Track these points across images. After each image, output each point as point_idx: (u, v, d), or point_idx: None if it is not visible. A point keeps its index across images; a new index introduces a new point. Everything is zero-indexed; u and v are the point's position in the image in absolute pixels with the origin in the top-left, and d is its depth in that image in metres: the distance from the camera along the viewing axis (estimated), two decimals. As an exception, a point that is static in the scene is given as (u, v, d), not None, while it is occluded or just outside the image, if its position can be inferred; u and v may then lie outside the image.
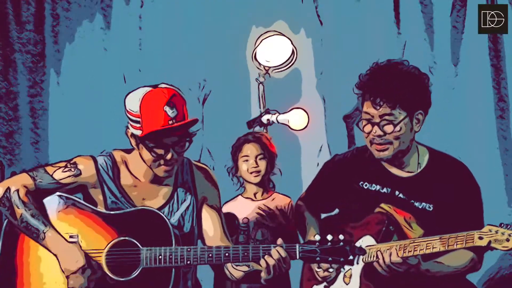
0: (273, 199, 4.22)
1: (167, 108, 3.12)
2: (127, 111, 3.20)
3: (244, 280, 3.31)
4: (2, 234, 3.21)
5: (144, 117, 3.13)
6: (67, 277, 3.10)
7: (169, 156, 3.17)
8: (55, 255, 3.13)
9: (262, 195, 4.26)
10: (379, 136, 3.34)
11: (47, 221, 3.15)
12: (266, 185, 4.28)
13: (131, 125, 3.20)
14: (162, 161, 3.19)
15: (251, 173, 4.22)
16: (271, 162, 4.29)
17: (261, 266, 3.08)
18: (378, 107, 3.30)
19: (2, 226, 3.24)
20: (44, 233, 3.12)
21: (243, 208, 4.23)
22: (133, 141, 3.24)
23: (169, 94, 3.14)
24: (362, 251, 3.10)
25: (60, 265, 3.12)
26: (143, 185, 3.31)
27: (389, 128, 3.32)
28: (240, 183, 4.32)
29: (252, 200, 4.25)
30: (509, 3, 5.20)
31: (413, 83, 3.33)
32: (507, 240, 3.06)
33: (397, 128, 3.31)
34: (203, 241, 3.37)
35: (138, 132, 3.16)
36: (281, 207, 4.18)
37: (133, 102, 3.17)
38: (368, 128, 3.36)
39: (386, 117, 3.31)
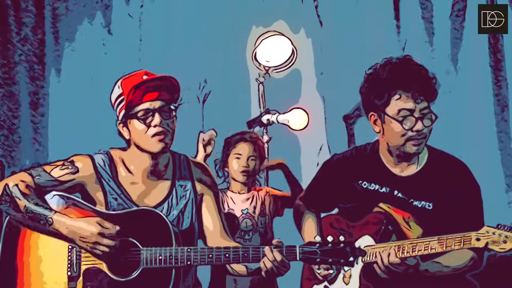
0: (253, 194, 4.33)
1: (144, 77, 3.21)
2: (113, 103, 3.28)
3: (248, 275, 3.34)
4: (2, 234, 3.21)
5: (125, 89, 3.21)
6: (93, 248, 3.09)
7: (156, 120, 3.19)
8: (67, 236, 3.12)
9: (245, 193, 4.34)
10: (420, 130, 3.31)
11: (50, 208, 3.15)
12: (250, 185, 4.37)
13: (119, 113, 3.25)
14: (153, 130, 3.20)
15: (240, 172, 4.27)
16: (259, 165, 4.36)
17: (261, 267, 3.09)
18: (419, 101, 3.27)
19: (2, 225, 3.24)
20: (51, 217, 3.11)
21: (230, 200, 4.31)
22: (125, 132, 3.27)
23: (147, 71, 3.25)
24: (362, 252, 3.10)
25: (77, 243, 3.12)
26: (141, 182, 3.31)
27: (427, 122, 3.31)
28: (224, 177, 4.39)
29: (236, 193, 4.34)
30: (509, 3, 5.21)
31: (429, 74, 3.33)
32: (504, 242, 3.06)
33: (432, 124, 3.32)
34: (204, 239, 3.38)
35: (124, 111, 3.22)
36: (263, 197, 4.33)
37: (115, 89, 3.28)
38: (410, 123, 3.30)
39: (425, 111, 3.29)
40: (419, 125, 3.29)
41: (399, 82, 3.29)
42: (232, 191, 4.36)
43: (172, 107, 3.24)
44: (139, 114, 3.20)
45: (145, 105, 3.19)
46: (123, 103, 3.22)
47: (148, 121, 3.20)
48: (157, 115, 3.19)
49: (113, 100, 3.28)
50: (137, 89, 3.17)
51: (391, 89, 3.30)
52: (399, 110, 3.30)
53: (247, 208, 4.30)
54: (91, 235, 3.08)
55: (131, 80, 3.22)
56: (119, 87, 3.25)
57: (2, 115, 5.51)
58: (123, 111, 3.22)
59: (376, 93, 3.35)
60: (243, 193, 4.35)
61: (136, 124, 3.22)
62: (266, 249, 3.07)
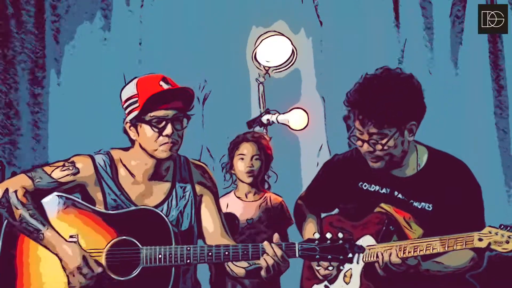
0: (265, 200, 4.24)
1: (162, 83, 3.19)
2: (124, 101, 3.26)
3: (246, 276, 3.33)
4: (2, 235, 3.21)
5: (141, 92, 3.19)
6: (68, 276, 3.11)
7: (169, 130, 3.18)
8: (55, 254, 3.14)
9: (254, 195, 4.30)
10: (370, 152, 3.34)
11: (46, 221, 3.15)
12: (258, 185, 4.32)
13: (129, 113, 3.23)
14: (163, 139, 3.19)
15: (246, 172, 4.24)
16: (266, 164, 4.33)
17: (261, 264, 3.08)
18: (366, 126, 3.29)
19: (2, 227, 3.24)
20: (43, 233, 3.12)
21: (234, 206, 4.27)
22: (132, 133, 3.25)
23: (164, 75, 3.24)
24: (361, 249, 3.10)
25: (62, 263, 3.13)
26: (141, 183, 3.31)
27: (378, 146, 3.31)
28: (232, 180, 4.35)
29: (243, 200, 4.28)
30: (509, 3, 5.21)
31: (403, 97, 3.27)
32: (507, 242, 3.06)
33: (386, 147, 3.30)
34: (204, 239, 3.37)
35: (136, 113, 3.20)
36: (274, 206, 4.22)
37: (129, 88, 3.25)
38: (359, 143, 3.36)
39: (374, 136, 3.30)
40: (365, 147, 3.34)
41: (354, 105, 3.32)
42: (239, 197, 4.34)
43: (185, 119, 3.24)
44: (153, 121, 3.19)
45: (160, 113, 3.18)
46: (136, 105, 3.20)
47: (160, 129, 3.19)
48: (169, 125, 3.18)
49: (124, 98, 3.26)
50: (156, 98, 3.15)
51: (352, 109, 3.34)
52: (355, 129, 3.35)
53: (253, 219, 4.26)
54: (66, 269, 3.10)
55: (148, 84, 3.20)
56: (134, 87, 3.23)
57: (2, 115, 5.51)
58: (134, 113, 3.20)
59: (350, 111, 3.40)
60: (251, 200, 4.31)
61: (147, 130, 3.20)
62: (265, 243, 3.07)
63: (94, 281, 3.10)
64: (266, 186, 4.45)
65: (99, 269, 3.10)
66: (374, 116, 3.25)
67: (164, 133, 3.19)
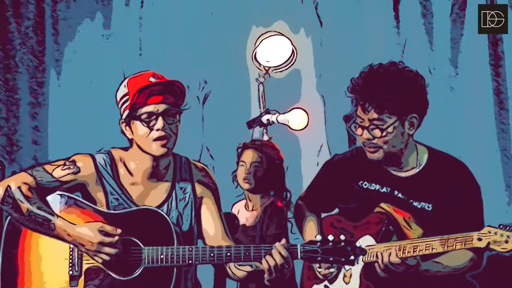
0: (263, 209, 4.23)
1: (151, 78, 3.21)
2: (118, 102, 3.27)
3: (247, 279, 3.32)
4: (3, 233, 3.22)
5: (131, 89, 3.20)
6: (94, 255, 3.11)
7: (159, 124, 3.18)
8: (70, 242, 3.13)
9: (257, 203, 4.26)
10: (368, 139, 3.35)
11: (53, 212, 3.16)
12: (263, 194, 4.28)
13: (122, 112, 3.25)
14: (155, 134, 3.19)
15: (243, 179, 4.23)
16: (273, 172, 4.28)
17: (263, 266, 3.08)
18: (366, 112, 3.30)
19: (3, 225, 3.24)
20: (54, 222, 3.12)
21: (241, 214, 4.27)
22: (127, 132, 3.26)
23: (154, 72, 3.25)
24: (363, 251, 3.11)
25: (79, 249, 3.13)
26: (142, 183, 3.31)
27: (377, 133, 3.32)
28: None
29: (246, 209, 4.28)
30: (509, 3, 5.22)
31: (405, 87, 3.30)
32: (506, 241, 3.07)
33: (384, 133, 3.31)
34: (204, 241, 3.37)
35: (128, 111, 3.21)
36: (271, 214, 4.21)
37: (121, 88, 3.27)
38: (359, 131, 3.38)
39: (374, 122, 3.31)
40: (364, 135, 3.35)
41: (356, 91, 3.35)
42: (245, 205, 4.33)
43: (177, 114, 3.24)
44: (143, 117, 3.19)
45: (149, 108, 3.18)
46: (127, 103, 3.21)
47: (151, 124, 3.19)
48: (160, 119, 3.18)
49: (118, 98, 3.28)
50: (142, 92, 3.16)
51: (355, 96, 3.37)
52: (357, 117, 3.37)
53: (245, 225, 4.25)
54: (92, 244, 3.10)
55: (138, 81, 3.21)
56: (125, 86, 3.24)
57: (2, 115, 5.51)
58: (127, 111, 3.22)
59: (353, 99, 3.43)
60: (251, 209, 4.30)
61: (138, 126, 3.21)
62: (278, 245, 3.06)
63: (121, 249, 3.10)
64: (287, 196, 4.39)
65: (118, 234, 3.10)
66: (375, 100, 3.27)
67: (155, 128, 3.19)
